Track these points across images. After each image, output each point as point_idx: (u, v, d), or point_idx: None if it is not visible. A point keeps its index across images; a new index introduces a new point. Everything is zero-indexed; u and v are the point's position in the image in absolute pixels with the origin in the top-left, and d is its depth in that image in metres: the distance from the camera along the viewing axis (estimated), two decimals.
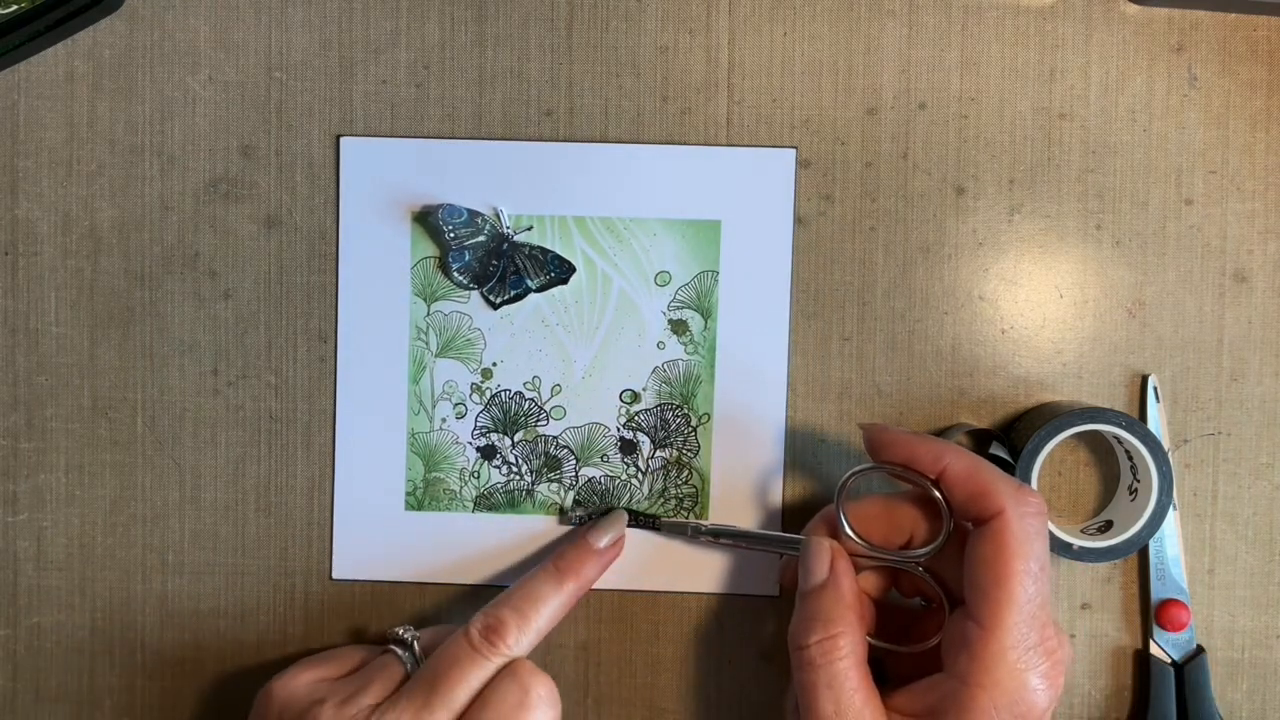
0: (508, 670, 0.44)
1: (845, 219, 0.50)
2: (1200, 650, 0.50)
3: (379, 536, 0.51)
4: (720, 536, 0.49)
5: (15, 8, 0.48)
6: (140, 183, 0.51)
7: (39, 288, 0.51)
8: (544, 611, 0.46)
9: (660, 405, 0.50)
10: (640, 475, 0.50)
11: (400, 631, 0.47)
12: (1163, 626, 0.50)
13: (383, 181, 0.50)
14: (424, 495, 0.51)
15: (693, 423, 0.50)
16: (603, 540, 0.48)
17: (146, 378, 0.51)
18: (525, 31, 0.50)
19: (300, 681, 0.46)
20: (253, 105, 0.51)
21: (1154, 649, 0.50)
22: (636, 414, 0.50)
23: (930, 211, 0.50)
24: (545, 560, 0.48)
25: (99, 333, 0.51)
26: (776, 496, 0.50)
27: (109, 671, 0.51)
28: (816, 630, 0.43)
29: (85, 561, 0.51)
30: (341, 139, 0.50)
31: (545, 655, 0.51)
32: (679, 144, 0.50)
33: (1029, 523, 0.41)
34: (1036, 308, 0.50)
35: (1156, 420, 0.50)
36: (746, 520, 0.50)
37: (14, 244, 0.51)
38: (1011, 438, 0.49)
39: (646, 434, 0.50)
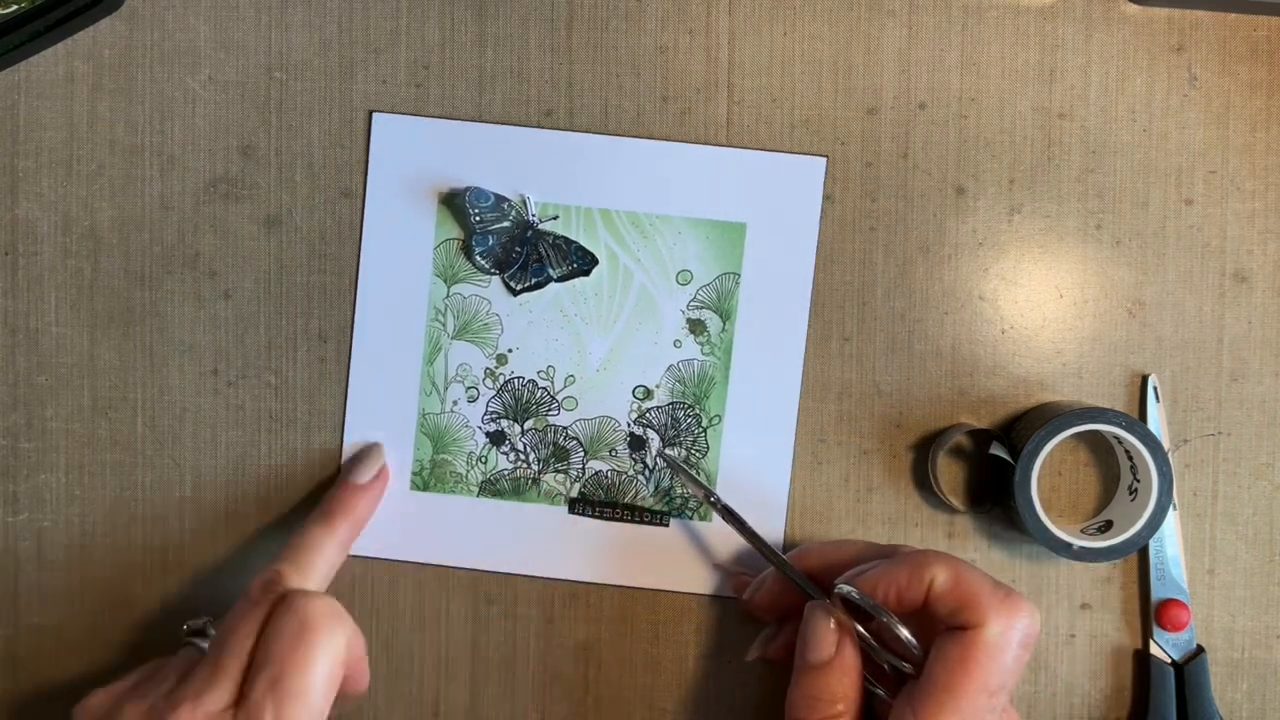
0: (280, 602, 0.41)
1: (845, 219, 0.50)
2: (1200, 650, 0.50)
3: (382, 514, 0.50)
4: (728, 516, 0.47)
5: (15, 8, 0.48)
6: (140, 183, 0.51)
7: (39, 288, 0.51)
8: (320, 558, 0.45)
9: (672, 404, 0.50)
10: (647, 472, 0.50)
11: (196, 623, 0.45)
12: (1163, 626, 0.50)
13: (412, 160, 0.50)
14: (430, 476, 0.51)
15: (703, 423, 0.50)
16: (365, 475, 0.49)
17: (146, 378, 0.51)
18: (525, 31, 0.50)
19: (96, 699, 0.44)
20: (253, 105, 0.51)
21: (1154, 649, 0.50)
22: (648, 411, 0.50)
23: (930, 211, 0.50)
24: (314, 509, 0.48)
25: (99, 333, 0.51)
26: (782, 502, 0.50)
27: (109, 671, 0.51)
28: (820, 709, 0.43)
29: (85, 561, 0.51)
30: (374, 114, 0.50)
31: (545, 655, 0.51)
32: (679, 144, 0.50)
33: (1008, 637, 0.41)
34: (1036, 308, 0.50)
35: (1156, 420, 0.50)
36: (752, 523, 0.50)
37: (14, 244, 0.51)
38: (1011, 438, 0.49)
39: (656, 431, 0.50)
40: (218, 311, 0.51)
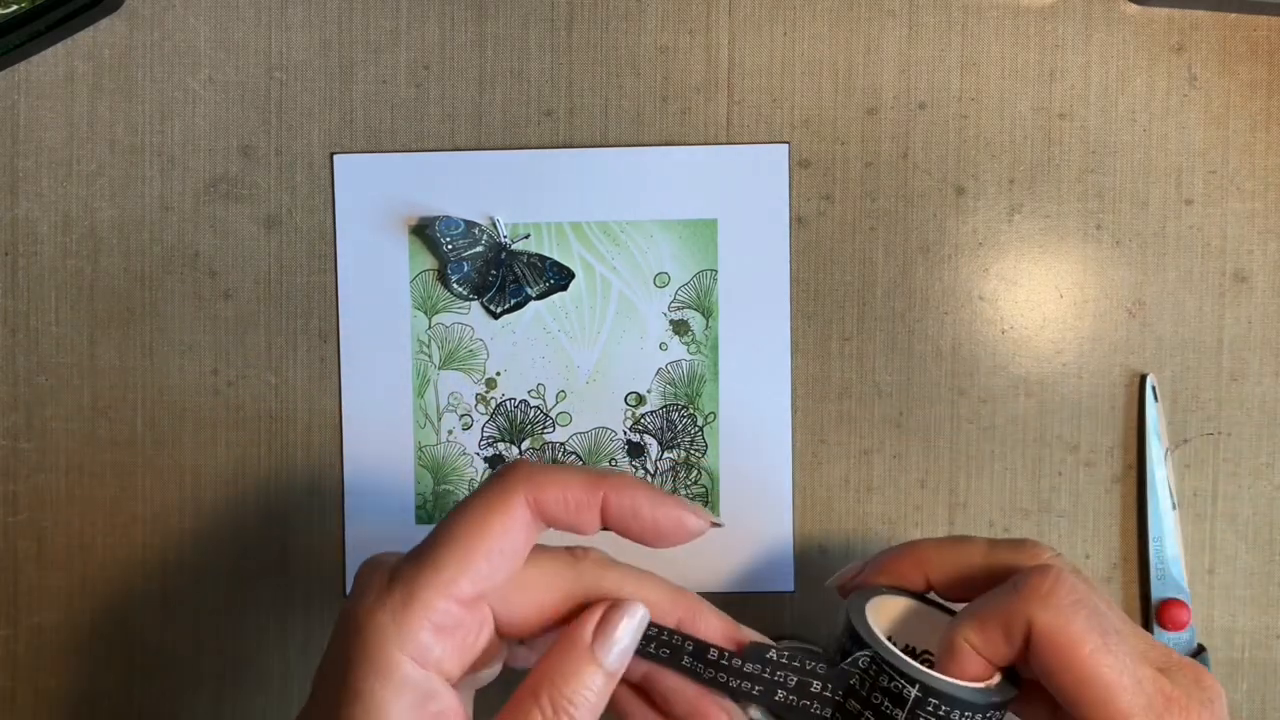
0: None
1: (845, 219, 0.50)
2: (1200, 650, 0.50)
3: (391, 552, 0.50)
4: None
5: (15, 8, 0.48)
6: (140, 183, 0.51)
7: (39, 288, 0.51)
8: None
9: (666, 406, 0.50)
10: (649, 478, 0.50)
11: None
12: (1163, 626, 0.50)
13: (378, 197, 0.50)
14: (434, 508, 0.51)
15: (699, 422, 0.50)
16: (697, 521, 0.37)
17: (146, 378, 0.51)
18: (525, 31, 0.50)
19: None
20: (253, 105, 0.51)
21: None
22: (642, 416, 0.50)
23: (930, 211, 0.50)
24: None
25: (99, 333, 0.51)
26: (786, 492, 0.50)
27: (108, 671, 0.51)
28: None
29: (85, 561, 0.51)
30: (335, 156, 0.50)
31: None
32: (679, 144, 0.50)
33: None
34: (1036, 308, 0.50)
35: (1156, 420, 0.50)
36: (757, 518, 0.50)
37: (14, 244, 0.51)
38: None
39: (653, 436, 0.50)
40: (218, 311, 0.51)
